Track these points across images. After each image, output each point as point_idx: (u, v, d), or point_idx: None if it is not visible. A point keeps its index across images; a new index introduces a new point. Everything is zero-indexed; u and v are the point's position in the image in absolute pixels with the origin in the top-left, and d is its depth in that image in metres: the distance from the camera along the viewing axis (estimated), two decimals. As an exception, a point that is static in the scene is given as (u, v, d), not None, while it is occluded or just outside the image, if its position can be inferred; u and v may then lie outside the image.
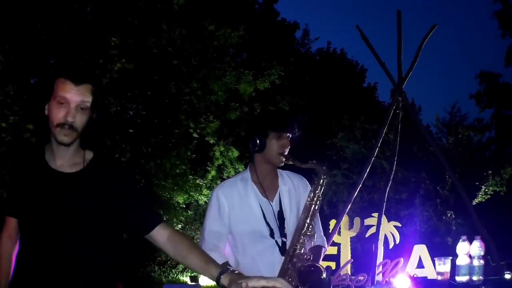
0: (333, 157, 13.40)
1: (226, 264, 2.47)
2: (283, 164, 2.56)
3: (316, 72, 19.11)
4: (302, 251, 2.39)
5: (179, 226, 12.45)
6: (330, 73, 19.52)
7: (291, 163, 2.51)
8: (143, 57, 9.36)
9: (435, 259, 4.05)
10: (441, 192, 12.54)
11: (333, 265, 4.73)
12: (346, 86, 19.42)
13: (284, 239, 2.52)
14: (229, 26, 10.43)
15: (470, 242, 3.40)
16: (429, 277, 4.33)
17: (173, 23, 9.52)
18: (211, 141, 11.23)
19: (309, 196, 2.48)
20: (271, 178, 2.63)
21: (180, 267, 13.43)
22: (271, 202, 2.57)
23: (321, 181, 2.48)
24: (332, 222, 4.96)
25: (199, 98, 10.61)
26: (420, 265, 4.57)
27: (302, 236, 2.41)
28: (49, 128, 1.88)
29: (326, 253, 4.55)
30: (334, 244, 4.88)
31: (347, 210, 5.02)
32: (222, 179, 12.33)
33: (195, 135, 10.86)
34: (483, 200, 12.53)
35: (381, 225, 4.87)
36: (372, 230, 4.99)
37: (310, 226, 2.42)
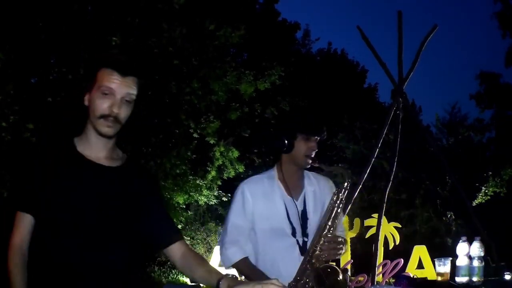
0: (333, 158, 13.41)
1: (245, 260, 2.51)
2: (309, 166, 2.57)
3: (317, 73, 19.09)
4: (321, 252, 2.38)
5: (179, 226, 12.45)
6: (330, 74, 19.51)
7: (317, 165, 2.53)
8: (143, 56, 9.35)
9: (435, 259, 4.04)
10: (441, 192, 12.55)
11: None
12: (346, 87, 19.41)
13: (306, 239, 2.53)
14: (229, 26, 10.43)
15: (470, 243, 3.39)
16: (429, 278, 4.33)
17: (173, 23, 9.52)
18: (212, 141, 11.23)
19: (332, 199, 2.48)
20: (297, 178, 2.64)
21: (180, 267, 13.43)
22: (295, 201, 2.58)
23: (345, 184, 2.47)
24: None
25: (199, 98, 10.61)
26: (420, 265, 4.58)
27: (322, 238, 2.41)
28: (87, 118, 1.80)
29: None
30: (334, 244, 4.87)
31: (347, 210, 5.02)
32: (222, 180, 12.35)
33: (195, 135, 10.87)
34: (483, 201, 12.53)
35: (381, 226, 4.87)
36: (372, 230, 5.00)
37: (332, 228, 2.41)
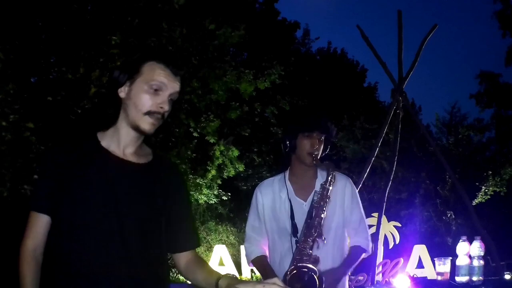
0: (333, 157, 13.41)
1: (261, 258, 2.61)
2: (314, 164, 2.54)
3: (317, 72, 19.10)
4: (308, 252, 2.38)
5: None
6: (330, 73, 19.51)
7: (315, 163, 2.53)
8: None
9: (435, 259, 4.05)
10: (441, 192, 12.55)
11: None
12: (346, 86, 19.42)
13: (311, 239, 2.53)
14: (229, 26, 10.43)
15: (470, 243, 3.40)
16: (429, 277, 4.34)
17: (173, 22, 9.52)
18: (212, 141, 11.23)
19: (313, 199, 2.48)
20: (308, 179, 2.64)
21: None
22: (304, 202, 2.59)
23: (329, 178, 2.45)
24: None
25: (199, 97, 10.61)
26: (420, 265, 4.58)
27: (308, 239, 2.40)
28: (123, 110, 1.68)
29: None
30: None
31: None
32: (222, 179, 12.35)
33: (195, 134, 10.87)
34: (483, 200, 12.54)
35: (381, 225, 4.87)
36: (372, 230, 4.99)
37: (317, 228, 2.41)
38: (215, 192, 12.47)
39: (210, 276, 1.71)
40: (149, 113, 1.64)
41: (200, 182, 11.60)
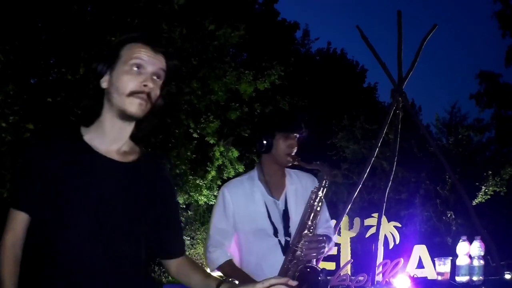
0: (333, 158, 13.41)
1: (229, 262, 2.50)
2: (290, 164, 2.56)
3: (316, 73, 19.11)
4: (302, 252, 2.38)
5: (179, 226, 12.44)
6: (330, 74, 19.52)
7: (296, 163, 2.51)
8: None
9: (435, 259, 4.05)
10: (441, 192, 12.55)
11: (333, 265, 4.73)
12: (346, 86, 19.42)
13: (288, 239, 2.52)
14: (229, 26, 10.43)
15: (470, 243, 3.40)
16: (429, 277, 4.33)
17: (173, 23, 9.52)
18: (211, 141, 11.23)
19: (311, 197, 2.47)
20: (278, 177, 2.63)
21: (180, 267, 13.43)
22: (277, 201, 2.57)
23: (324, 182, 2.47)
24: (332, 223, 4.96)
25: (199, 98, 10.61)
26: (420, 265, 4.57)
27: (302, 238, 2.40)
28: (106, 101, 1.59)
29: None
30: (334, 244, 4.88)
31: (347, 210, 5.02)
32: (222, 180, 12.34)
33: (195, 135, 10.87)
34: (483, 200, 12.54)
35: (381, 225, 4.87)
36: (372, 230, 4.99)
37: (312, 228, 2.42)
38: (215, 193, 12.46)
39: (206, 280, 1.68)
40: (132, 93, 1.55)
41: (200, 183, 11.60)
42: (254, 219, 2.54)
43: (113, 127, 1.60)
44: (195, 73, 10.33)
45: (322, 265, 4.40)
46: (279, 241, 2.52)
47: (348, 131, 13.43)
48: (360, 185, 5.19)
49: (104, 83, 1.59)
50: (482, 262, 3.36)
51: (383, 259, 4.57)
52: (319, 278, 2.29)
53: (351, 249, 5.02)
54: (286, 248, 2.50)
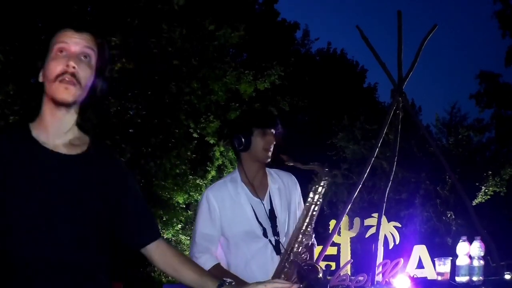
0: (333, 158, 13.40)
1: (217, 266, 2.47)
2: (269, 160, 2.56)
3: (316, 73, 19.11)
4: (300, 250, 2.39)
5: (179, 226, 12.45)
6: (330, 74, 19.52)
7: (292, 164, 2.49)
8: (143, 57, 9.36)
9: (435, 259, 4.05)
10: (441, 192, 12.55)
11: (333, 265, 4.73)
12: (346, 87, 19.43)
13: (277, 238, 2.52)
14: (229, 26, 10.44)
15: (470, 243, 3.40)
16: (429, 278, 4.33)
17: (173, 23, 9.53)
18: (211, 141, 11.23)
19: (309, 197, 2.47)
20: (260, 177, 2.62)
21: (180, 267, 13.42)
22: (262, 201, 2.56)
23: (322, 182, 2.47)
24: (332, 223, 4.96)
25: (199, 98, 10.61)
26: (420, 265, 4.57)
27: (300, 235, 2.40)
28: (44, 93, 1.58)
29: (326, 253, 4.56)
30: (334, 244, 4.87)
31: (347, 210, 5.01)
32: (222, 179, 12.35)
33: (195, 135, 10.87)
34: (483, 200, 12.53)
35: (381, 226, 4.86)
36: (372, 230, 4.98)
37: (309, 226, 2.42)
38: (215, 193, 12.47)
39: (201, 279, 1.66)
40: (57, 77, 1.52)
41: (200, 183, 11.61)
42: (241, 222, 2.52)
43: (52, 118, 1.57)
44: (195, 73, 10.33)
45: (322, 264, 4.41)
46: (269, 241, 2.52)
47: (348, 131, 13.42)
48: (360, 185, 5.18)
49: (40, 77, 1.59)
50: (482, 262, 3.36)
51: (383, 259, 4.56)
52: (319, 276, 2.29)
53: (351, 249, 5.02)
54: (277, 248, 2.50)
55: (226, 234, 2.54)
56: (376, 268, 4.33)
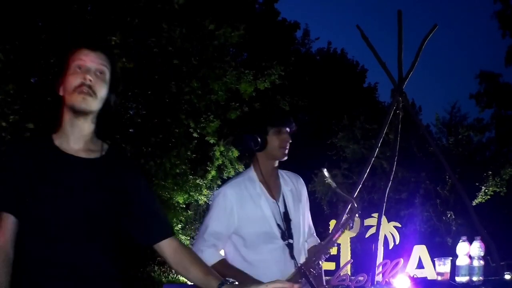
0: (333, 157, 13.40)
1: (223, 261, 2.48)
2: (285, 158, 2.57)
3: (317, 72, 19.11)
4: (314, 266, 2.48)
5: (179, 226, 12.45)
6: (330, 73, 19.53)
7: (337, 190, 2.54)
8: (143, 56, 9.36)
9: (435, 259, 4.04)
10: (441, 192, 12.55)
11: (333, 265, 4.73)
12: (346, 86, 19.43)
13: (291, 241, 2.52)
14: (229, 26, 10.43)
15: (470, 243, 3.39)
16: (429, 278, 4.33)
17: (173, 23, 9.52)
18: (211, 141, 11.23)
19: (335, 230, 2.57)
20: (274, 178, 2.62)
21: (180, 266, 13.44)
22: (277, 203, 2.56)
23: (353, 217, 2.54)
24: (332, 222, 4.97)
25: (199, 97, 10.61)
26: (420, 265, 4.57)
27: (321, 257, 2.49)
28: (64, 105, 1.75)
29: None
30: (334, 244, 4.88)
31: (347, 210, 5.01)
32: (222, 179, 12.34)
33: (195, 134, 10.86)
34: (483, 200, 12.53)
35: (381, 225, 4.87)
36: (372, 230, 4.99)
37: (325, 255, 2.52)
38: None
39: (206, 278, 1.71)
40: (76, 88, 1.71)
41: (200, 183, 11.61)
42: (260, 222, 2.51)
43: (72, 126, 1.75)
44: (195, 73, 10.32)
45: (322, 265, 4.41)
46: (283, 243, 2.51)
47: (348, 131, 13.42)
48: (360, 185, 5.18)
49: (60, 91, 1.77)
50: (482, 262, 3.35)
51: (383, 259, 4.57)
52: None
53: (351, 249, 5.03)
54: (291, 250, 2.50)
55: (241, 232, 2.52)
56: (376, 268, 4.33)
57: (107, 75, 1.77)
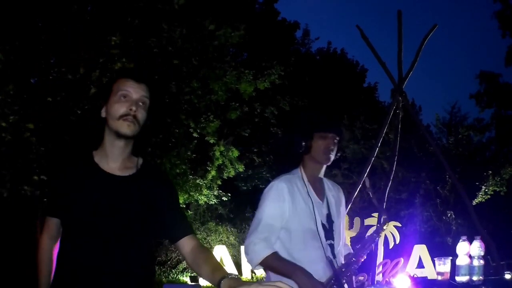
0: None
1: (275, 254, 2.49)
2: (330, 162, 2.61)
3: (317, 72, 19.10)
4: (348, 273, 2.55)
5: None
6: (330, 73, 19.51)
7: (373, 201, 2.69)
8: (143, 56, 9.35)
9: (435, 259, 4.05)
10: (441, 192, 12.56)
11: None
12: (346, 86, 19.42)
13: (332, 242, 2.58)
14: (229, 26, 10.42)
15: (470, 242, 3.40)
16: (429, 277, 4.34)
17: (173, 23, 9.51)
18: (211, 141, 11.23)
19: (365, 243, 2.62)
20: (319, 182, 2.68)
21: (180, 267, 13.43)
22: (323, 204, 2.62)
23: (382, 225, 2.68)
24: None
25: (199, 97, 10.61)
26: (420, 265, 4.58)
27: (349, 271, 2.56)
28: (106, 126, 1.96)
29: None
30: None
31: (347, 210, 5.02)
32: (222, 179, 12.35)
33: (195, 134, 10.86)
34: (483, 200, 12.54)
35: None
36: (372, 230, 4.99)
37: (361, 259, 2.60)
38: (215, 193, 12.47)
39: (213, 274, 1.79)
40: (121, 116, 1.91)
41: (200, 183, 11.60)
42: (306, 218, 2.55)
43: (113, 147, 1.97)
44: (195, 73, 10.32)
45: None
46: (325, 243, 2.55)
47: (348, 131, 13.43)
48: (360, 185, 5.19)
49: (103, 113, 1.97)
50: (482, 262, 3.36)
51: (383, 258, 4.57)
52: None
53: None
54: (332, 251, 2.56)
55: (289, 227, 2.55)
56: (376, 267, 4.34)
57: (147, 104, 1.98)
